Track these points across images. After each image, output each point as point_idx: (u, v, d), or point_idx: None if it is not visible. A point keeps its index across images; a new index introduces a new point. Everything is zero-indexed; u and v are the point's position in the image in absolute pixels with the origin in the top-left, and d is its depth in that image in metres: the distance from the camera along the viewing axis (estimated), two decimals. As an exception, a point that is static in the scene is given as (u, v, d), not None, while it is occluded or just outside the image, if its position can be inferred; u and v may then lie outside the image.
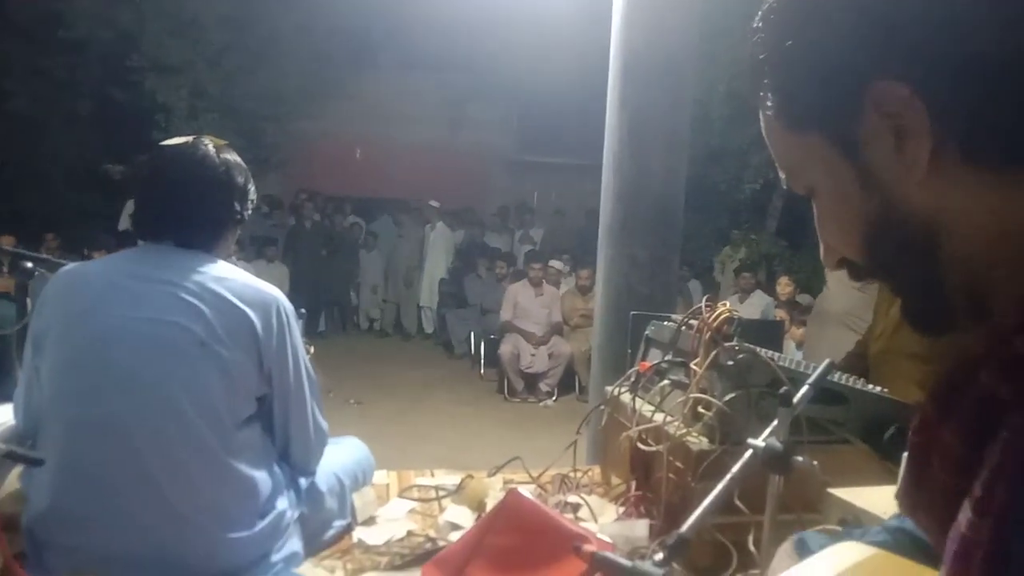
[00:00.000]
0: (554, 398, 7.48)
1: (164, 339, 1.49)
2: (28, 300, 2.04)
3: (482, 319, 8.71)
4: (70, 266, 1.66)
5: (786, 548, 0.98)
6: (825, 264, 0.68)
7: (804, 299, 7.20)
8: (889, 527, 0.84)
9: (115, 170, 10.60)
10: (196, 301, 1.51)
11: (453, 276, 9.98)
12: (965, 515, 0.47)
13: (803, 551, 0.92)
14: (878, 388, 1.85)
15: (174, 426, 1.47)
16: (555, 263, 8.38)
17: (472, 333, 8.84)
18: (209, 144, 1.66)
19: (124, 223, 8.97)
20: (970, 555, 0.46)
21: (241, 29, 10.07)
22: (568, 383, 7.65)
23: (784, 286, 7.26)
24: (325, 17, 10.30)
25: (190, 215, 1.62)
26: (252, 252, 9.06)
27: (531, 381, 7.57)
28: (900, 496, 0.58)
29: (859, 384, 1.82)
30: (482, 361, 8.40)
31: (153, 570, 1.49)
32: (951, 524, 0.49)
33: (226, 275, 1.57)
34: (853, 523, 1.30)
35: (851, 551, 0.80)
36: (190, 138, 1.68)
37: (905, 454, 1.34)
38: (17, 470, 1.71)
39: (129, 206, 9.19)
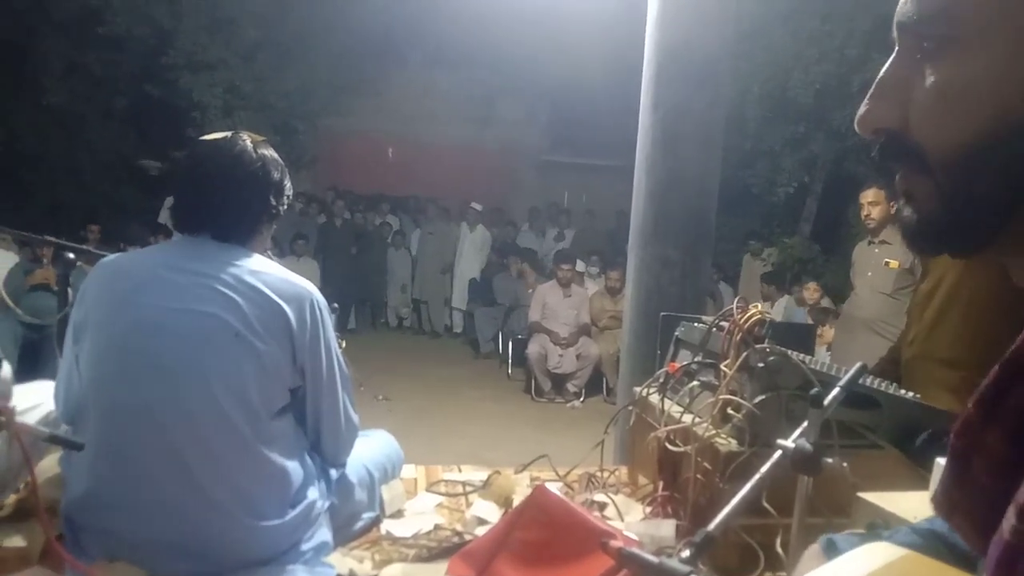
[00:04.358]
0: (581, 399, 7.47)
1: (200, 330, 1.51)
2: (69, 290, 2.09)
3: (508, 319, 8.73)
4: (110, 257, 1.69)
5: (814, 550, 0.97)
6: (859, 124, 0.60)
7: (824, 300, 7.16)
8: (919, 529, 0.84)
9: (151, 166, 10.79)
10: (232, 293, 1.54)
11: (484, 275, 10.01)
12: (1009, 522, 0.46)
13: (831, 553, 0.92)
14: (910, 394, 1.83)
15: (209, 415, 1.50)
16: (579, 265, 8.36)
17: (500, 332, 8.86)
18: (246, 139, 1.69)
19: (163, 217, 9.12)
20: (1013, 562, 0.45)
21: (272, 26, 10.18)
22: (595, 385, 7.64)
23: (812, 292, 7.18)
24: (354, 14, 10.36)
25: (227, 209, 1.64)
26: (283, 248, 9.16)
27: (558, 382, 7.57)
28: (938, 498, 0.57)
29: (891, 389, 1.81)
30: (509, 361, 8.42)
31: (185, 556, 1.51)
32: (989, 527, 0.49)
33: (261, 268, 1.60)
34: (882, 527, 1.29)
35: (880, 552, 0.79)
36: (228, 133, 1.70)
37: (938, 459, 1.33)
38: (56, 455, 1.75)
39: (169, 201, 9.34)
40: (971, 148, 0.53)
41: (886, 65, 0.59)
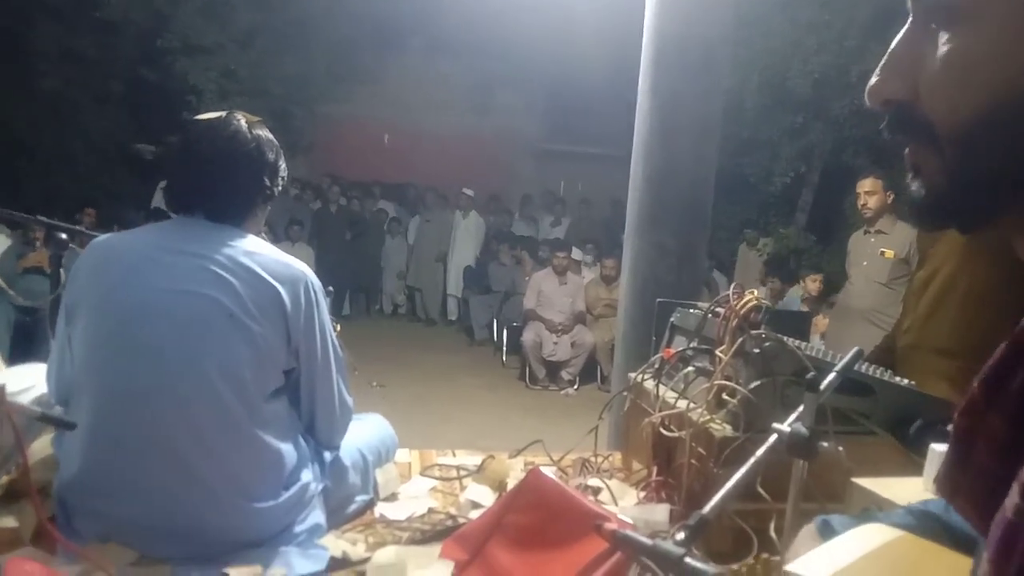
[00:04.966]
0: (576, 387, 7.48)
1: (194, 311, 1.50)
2: (62, 272, 2.08)
3: (503, 306, 8.73)
4: (103, 238, 1.68)
5: (809, 530, 0.97)
6: (869, 95, 0.59)
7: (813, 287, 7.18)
8: (914, 510, 0.83)
9: (146, 150, 10.72)
10: (226, 274, 1.53)
11: (479, 263, 10.00)
12: (1012, 500, 0.46)
13: (827, 533, 0.92)
14: (906, 381, 1.83)
15: (202, 396, 1.49)
16: (575, 253, 8.36)
17: (495, 320, 8.86)
18: (241, 119, 1.67)
19: (156, 201, 9.07)
20: (1015, 541, 0.45)
21: (270, 11, 10.11)
22: (590, 372, 7.65)
23: (811, 282, 7.18)
24: (352, 0, 10.30)
25: (220, 189, 1.63)
26: (278, 233, 9.14)
27: (553, 369, 7.58)
28: (940, 480, 0.57)
29: (887, 376, 1.81)
30: (504, 348, 8.42)
31: (178, 538, 1.51)
32: (991, 508, 0.49)
33: (256, 249, 1.59)
34: (876, 512, 1.29)
35: (876, 533, 0.79)
36: (222, 113, 1.69)
37: (932, 446, 1.33)
38: (48, 437, 1.74)
39: (162, 184, 9.30)
40: (977, 122, 0.52)
41: (898, 36, 0.58)
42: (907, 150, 0.59)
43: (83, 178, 10.72)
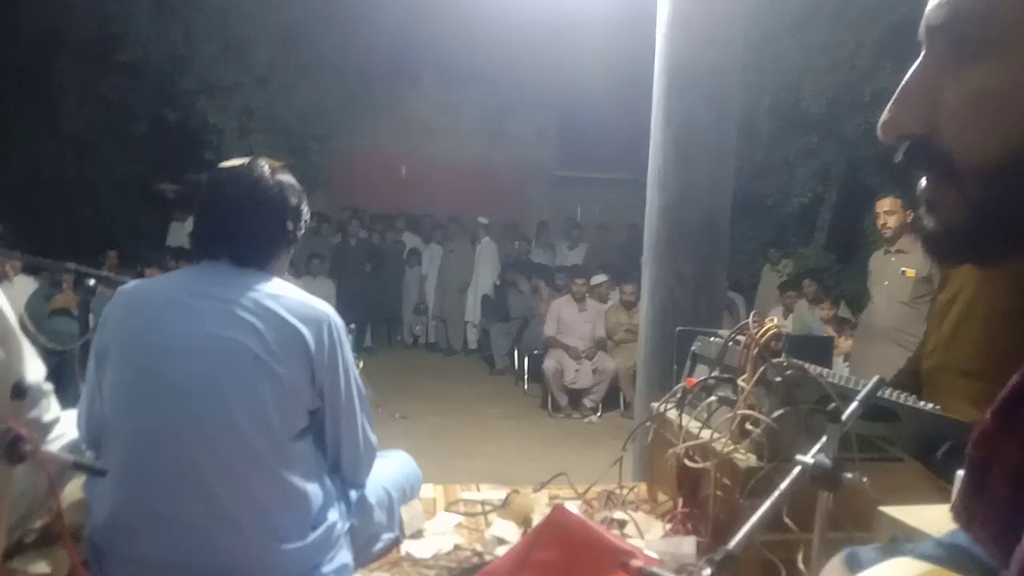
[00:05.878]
0: (598, 414, 7.44)
1: (221, 354, 1.53)
2: (90, 316, 2.12)
3: (523, 334, 8.72)
4: (131, 284, 1.72)
5: (835, 563, 0.96)
6: (882, 130, 0.57)
7: (843, 311, 7.13)
8: (944, 542, 0.83)
9: (168, 189, 10.89)
10: (251, 317, 1.56)
11: (498, 291, 10.02)
12: None
13: (855, 567, 0.91)
14: (930, 405, 1.82)
15: (230, 438, 1.51)
16: (597, 277, 8.36)
17: (516, 348, 8.85)
18: (264, 165, 1.71)
19: (171, 240, 9.23)
20: None
21: (285, 48, 10.27)
22: (612, 399, 7.60)
23: (825, 310, 7.15)
24: (365, 33, 10.44)
25: (245, 234, 1.67)
26: (299, 267, 9.22)
27: (575, 397, 7.54)
28: (956, 508, 0.57)
29: (911, 401, 1.80)
30: (525, 376, 8.40)
31: (208, 580, 1.53)
32: (1008, 536, 0.49)
33: (280, 292, 1.62)
34: (904, 541, 1.28)
35: (903, 567, 0.78)
36: (246, 160, 1.73)
37: (959, 471, 1.32)
38: (80, 480, 1.77)
39: (175, 226, 9.49)
40: (1007, 159, 0.50)
41: (912, 69, 0.57)
42: (921, 184, 0.58)
43: (106, 216, 10.88)
